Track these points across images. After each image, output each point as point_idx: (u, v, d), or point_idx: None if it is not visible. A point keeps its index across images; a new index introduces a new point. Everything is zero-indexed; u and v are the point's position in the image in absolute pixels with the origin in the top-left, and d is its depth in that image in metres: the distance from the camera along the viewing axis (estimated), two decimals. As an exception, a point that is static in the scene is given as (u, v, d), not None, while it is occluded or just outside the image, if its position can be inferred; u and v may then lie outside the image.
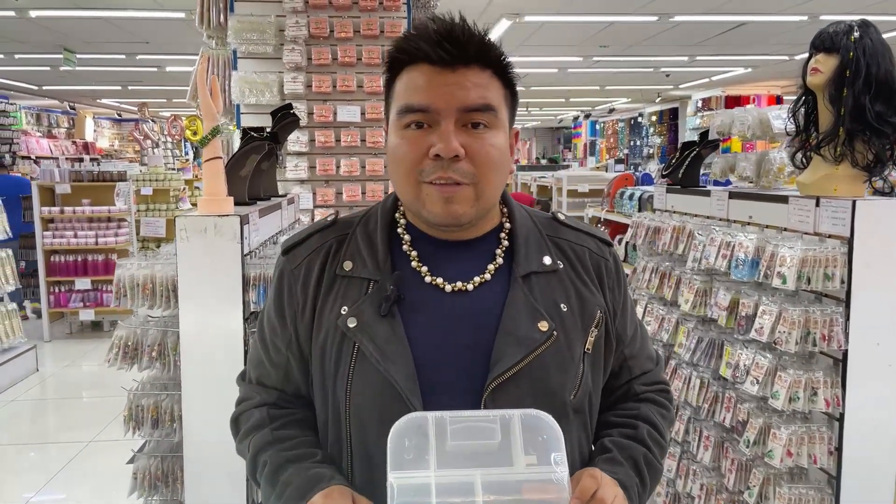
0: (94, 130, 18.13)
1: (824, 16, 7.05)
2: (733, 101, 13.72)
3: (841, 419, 2.05)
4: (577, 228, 1.17)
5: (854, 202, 1.97)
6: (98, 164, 7.64)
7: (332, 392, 1.05)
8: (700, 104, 14.75)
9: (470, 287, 1.06)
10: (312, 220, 4.34)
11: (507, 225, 1.12)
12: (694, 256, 2.55)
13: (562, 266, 1.10)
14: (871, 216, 1.96)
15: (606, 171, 11.54)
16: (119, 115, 18.91)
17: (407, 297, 1.04)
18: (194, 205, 9.31)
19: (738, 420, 2.30)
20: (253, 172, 2.39)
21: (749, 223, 2.48)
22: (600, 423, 1.15)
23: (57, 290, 6.75)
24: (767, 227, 2.39)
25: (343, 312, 1.04)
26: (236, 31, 4.14)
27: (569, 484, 0.92)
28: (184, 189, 9.15)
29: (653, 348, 1.26)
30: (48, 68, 10.40)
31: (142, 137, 16.13)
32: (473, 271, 1.07)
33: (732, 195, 2.60)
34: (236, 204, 2.11)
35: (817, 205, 2.11)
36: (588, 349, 1.08)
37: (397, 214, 1.13)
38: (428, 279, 1.06)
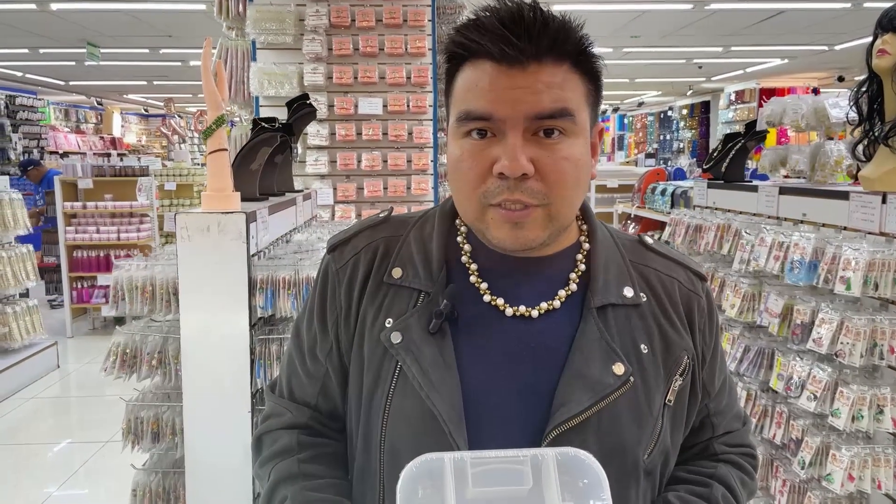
0: (122, 126, 18.27)
1: (868, 3, 6.73)
2: (768, 94, 13.32)
3: (910, 440, 1.85)
4: (667, 256, 0.99)
5: (929, 199, 1.76)
6: (122, 160, 7.61)
7: (367, 416, 0.91)
8: (733, 97, 14.36)
9: (534, 314, 0.90)
10: (332, 216, 4.20)
11: (586, 245, 0.96)
12: (741, 257, 2.35)
13: (645, 300, 0.93)
14: (949, 214, 1.75)
15: (636, 165, 11.28)
16: (146, 110, 19.05)
17: (461, 315, 0.89)
18: (218, 200, 9.25)
19: (791, 438, 2.10)
20: (265, 166, 2.24)
21: (802, 221, 2.27)
22: (669, 479, 0.97)
23: (79, 286, 6.72)
24: (824, 225, 2.17)
25: (387, 325, 0.89)
26: (255, 20, 4.03)
27: None
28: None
29: (741, 406, 1.08)
30: (73, 63, 10.43)
31: (170, 132, 16.22)
32: (540, 295, 0.91)
33: (783, 190, 2.38)
34: (246, 200, 1.96)
35: (884, 201, 1.90)
36: (669, 401, 0.91)
37: (458, 221, 0.97)
38: (487, 298, 0.90)
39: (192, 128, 15.94)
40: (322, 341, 0.97)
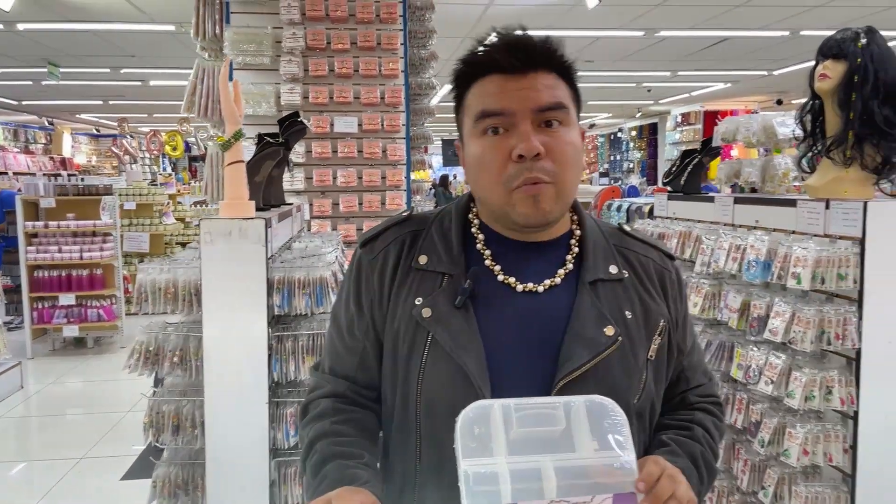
0: (72, 146, 17.91)
1: (805, 31, 7.22)
2: (712, 116, 13.97)
3: (855, 417, 2.08)
4: (642, 240, 1.20)
5: (865, 203, 2.01)
6: (83, 180, 7.54)
7: (404, 379, 1.08)
8: (679, 119, 14.99)
9: (540, 289, 1.09)
10: (309, 229, 4.32)
11: (578, 232, 1.16)
12: (702, 260, 2.58)
13: (627, 275, 1.13)
14: (882, 217, 2.01)
15: (591, 184, 11.68)
16: (97, 130, 18.72)
17: (479, 292, 1.07)
18: (179, 220, 9.23)
19: (751, 421, 2.32)
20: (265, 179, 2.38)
21: (755, 227, 2.52)
22: (655, 426, 1.17)
23: (40, 306, 6.63)
24: (775, 230, 2.42)
25: (417, 303, 1.07)
26: (233, 42, 4.15)
27: (636, 469, 0.93)
28: (167, 204, 9.07)
29: (707, 365, 1.30)
30: (30, 82, 10.28)
31: (121, 153, 15.98)
32: (543, 274, 1.10)
33: (738, 200, 2.64)
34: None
35: (827, 207, 2.16)
36: (651, 356, 1.11)
37: (471, 215, 1.16)
38: (500, 277, 1.09)
39: (145, 148, 15.73)
40: (359, 321, 1.14)
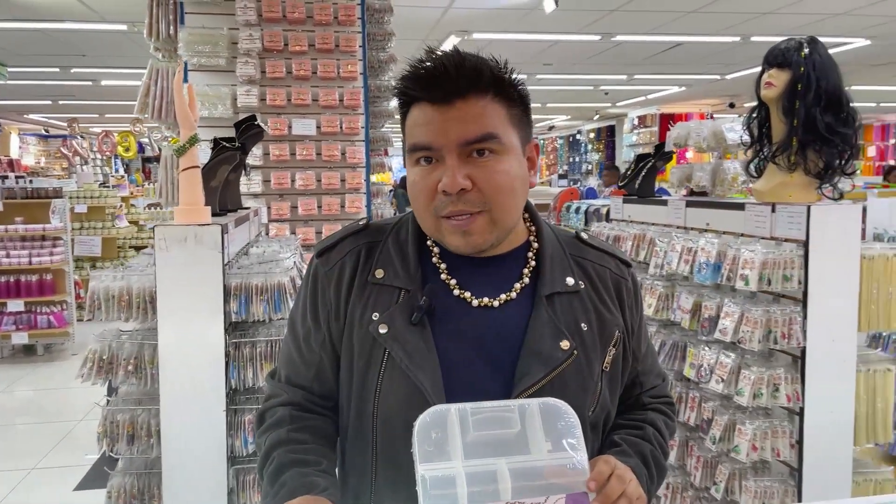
0: (20, 147, 17.38)
1: (755, 37, 7.44)
2: (667, 119, 14.27)
3: (801, 413, 2.16)
4: (599, 248, 1.20)
5: (809, 207, 2.09)
6: (31, 182, 7.32)
7: (360, 394, 1.08)
8: (636, 121, 15.27)
9: (496, 304, 1.09)
10: (266, 233, 4.28)
11: (535, 245, 1.15)
12: (656, 262, 2.65)
13: (583, 286, 1.13)
14: (825, 220, 2.09)
15: (550, 185, 11.83)
16: (46, 130, 18.20)
17: (436, 307, 1.07)
18: (132, 222, 9.03)
19: (703, 418, 2.39)
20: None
21: (706, 230, 2.60)
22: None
23: (-13, 313, 6.43)
24: (724, 233, 2.50)
25: (374, 319, 1.07)
26: (188, 43, 4.08)
27: (588, 468, 0.96)
28: (120, 206, 8.87)
29: (660, 366, 1.33)
30: (-25, 82, 9.95)
31: (71, 154, 15.55)
32: (500, 288, 1.10)
33: (690, 204, 2.71)
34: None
35: (773, 210, 2.24)
36: (606, 367, 1.12)
37: None
38: (456, 292, 1.09)
39: (96, 149, 15.34)
40: (315, 334, 1.13)
